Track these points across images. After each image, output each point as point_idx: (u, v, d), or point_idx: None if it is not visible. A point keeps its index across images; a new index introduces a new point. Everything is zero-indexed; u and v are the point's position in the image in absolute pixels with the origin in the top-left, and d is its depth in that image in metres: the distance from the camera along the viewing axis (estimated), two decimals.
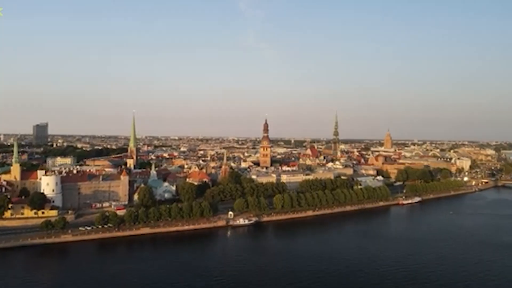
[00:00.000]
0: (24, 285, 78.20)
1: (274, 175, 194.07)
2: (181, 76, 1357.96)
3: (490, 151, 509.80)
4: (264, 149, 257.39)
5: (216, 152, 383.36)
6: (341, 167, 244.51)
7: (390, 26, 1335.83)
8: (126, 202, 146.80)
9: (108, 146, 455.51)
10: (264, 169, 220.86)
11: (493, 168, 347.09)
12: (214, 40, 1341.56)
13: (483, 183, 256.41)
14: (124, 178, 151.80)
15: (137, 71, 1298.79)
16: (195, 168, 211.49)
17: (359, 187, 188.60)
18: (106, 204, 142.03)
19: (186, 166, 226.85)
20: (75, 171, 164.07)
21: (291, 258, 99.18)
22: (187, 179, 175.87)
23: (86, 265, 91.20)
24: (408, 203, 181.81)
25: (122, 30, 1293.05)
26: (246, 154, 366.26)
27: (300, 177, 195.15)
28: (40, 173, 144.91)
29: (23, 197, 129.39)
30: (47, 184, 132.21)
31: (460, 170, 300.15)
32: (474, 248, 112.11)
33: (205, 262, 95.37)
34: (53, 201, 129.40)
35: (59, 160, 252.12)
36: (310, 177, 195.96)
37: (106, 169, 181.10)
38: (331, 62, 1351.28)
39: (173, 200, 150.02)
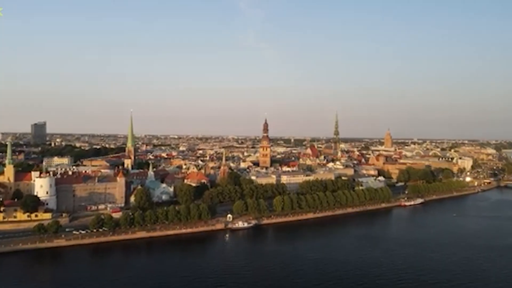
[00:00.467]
0: None
1: (274, 176, 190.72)
2: (181, 75, 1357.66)
3: (491, 150, 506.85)
4: (263, 149, 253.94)
5: (216, 152, 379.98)
6: (341, 167, 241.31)
7: (390, 26, 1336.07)
8: (123, 204, 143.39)
9: (107, 146, 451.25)
10: (264, 170, 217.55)
11: (494, 168, 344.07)
12: (214, 40, 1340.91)
13: (486, 183, 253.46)
14: (121, 180, 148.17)
15: (137, 70, 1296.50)
16: (193, 168, 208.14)
17: (360, 187, 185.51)
18: (101, 207, 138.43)
19: (184, 167, 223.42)
20: (70, 172, 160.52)
21: (292, 263, 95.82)
22: (185, 180, 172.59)
23: (78, 273, 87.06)
24: (410, 205, 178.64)
25: (121, 30, 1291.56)
26: (245, 153, 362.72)
27: (301, 178, 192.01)
28: (34, 174, 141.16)
29: (16, 200, 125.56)
30: (40, 186, 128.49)
31: (461, 170, 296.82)
32: (480, 252, 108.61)
33: (203, 268, 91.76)
34: (47, 204, 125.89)
35: (56, 160, 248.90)
36: (311, 177, 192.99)
37: (103, 170, 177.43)
38: (331, 61, 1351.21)
39: (171, 202, 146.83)
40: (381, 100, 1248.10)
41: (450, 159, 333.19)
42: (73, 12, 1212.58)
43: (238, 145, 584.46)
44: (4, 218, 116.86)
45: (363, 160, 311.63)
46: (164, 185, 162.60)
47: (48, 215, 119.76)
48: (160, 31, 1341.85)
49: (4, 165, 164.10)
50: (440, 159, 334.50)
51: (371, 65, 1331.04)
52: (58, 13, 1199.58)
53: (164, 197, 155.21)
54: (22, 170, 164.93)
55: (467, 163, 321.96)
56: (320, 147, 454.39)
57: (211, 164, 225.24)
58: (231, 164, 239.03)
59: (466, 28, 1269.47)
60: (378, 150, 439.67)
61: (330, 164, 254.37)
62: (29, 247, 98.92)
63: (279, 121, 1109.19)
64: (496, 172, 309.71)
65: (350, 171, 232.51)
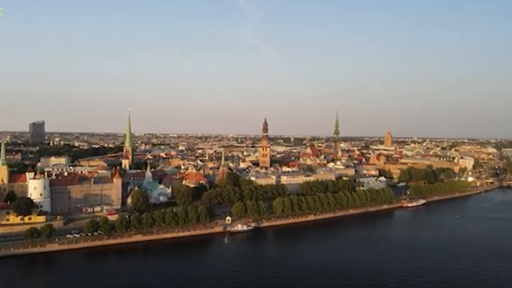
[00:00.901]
0: None
1: (273, 177, 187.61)
2: (180, 74, 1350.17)
3: (491, 150, 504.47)
4: (263, 149, 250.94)
5: (215, 151, 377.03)
6: (342, 167, 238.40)
7: (390, 25, 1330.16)
8: (119, 206, 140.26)
9: (105, 145, 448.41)
10: (264, 170, 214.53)
11: (496, 167, 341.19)
12: (213, 38, 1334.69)
13: (488, 183, 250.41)
14: (117, 181, 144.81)
15: (136, 69, 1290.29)
16: (192, 169, 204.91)
17: (362, 188, 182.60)
18: (97, 209, 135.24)
19: (183, 167, 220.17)
20: (66, 173, 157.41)
21: (292, 269, 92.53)
22: (184, 181, 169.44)
23: (71, 280, 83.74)
24: (412, 206, 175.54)
25: (121, 29, 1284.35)
26: (245, 153, 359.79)
27: (301, 179, 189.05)
28: (28, 175, 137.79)
29: (9, 202, 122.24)
30: (34, 188, 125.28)
31: (463, 170, 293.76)
32: (485, 257, 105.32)
33: (200, 274, 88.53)
34: (41, 206, 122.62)
35: (53, 160, 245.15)
36: (311, 178, 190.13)
37: (99, 171, 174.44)
38: (330, 60, 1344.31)
39: (169, 204, 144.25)
40: (381, 98, 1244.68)
41: (451, 159, 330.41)
42: (73, 12, 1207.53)
43: (237, 144, 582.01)
44: None
45: (363, 159, 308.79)
46: (162, 186, 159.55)
47: (42, 218, 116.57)
48: (159, 29, 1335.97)
49: None
50: (441, 158, 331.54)
51: (371, 63, 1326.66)
52: (58, 13, 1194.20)
53: (161, 198, 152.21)
54: (18, 171, 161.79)
55: (469, 163, 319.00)
56: (320, 146, 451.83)
57: (210, 165, 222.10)
58: (231, 164, 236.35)
59: (466, 28, 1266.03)
60: (379, 150, 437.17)
61: (331, 164, 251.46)
62: (21, 252, 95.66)
63: (278, 120, 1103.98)
64: (497, 172, 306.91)
65: (351, 171, 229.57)
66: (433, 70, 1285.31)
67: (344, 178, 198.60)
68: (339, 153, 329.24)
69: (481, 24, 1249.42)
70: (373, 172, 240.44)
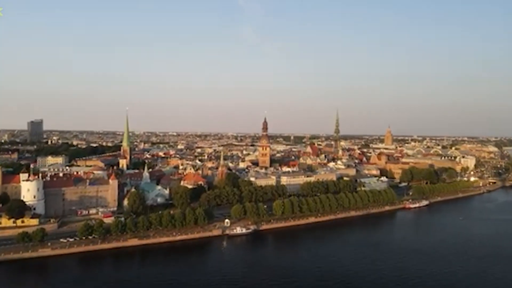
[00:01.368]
0: None
1: (273, 177, 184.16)
2: (180, 72, 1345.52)
3: (492, 148, 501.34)
4: (263, 149, 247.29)
5: (214, 150, 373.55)
6: (343, 167, 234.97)
7: (390, 24, 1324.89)
8: (115, 208, 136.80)
9: (104, 144, 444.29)
10: (263, 170, 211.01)
11: (498, 166, 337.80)
12: (212, 36, 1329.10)
13: (491, 183, 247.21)
14: (113, 182, 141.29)
15: (135, 68, 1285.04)
16: (190, 169, 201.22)
17: (363, 189, 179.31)
18: (93, 211, 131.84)
19: (181, 167, 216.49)
20: (61, 174, 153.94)
21: (293, 276, 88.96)
22: (182, 182, 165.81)
23: (63, 286, 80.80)
24: (415, 207, 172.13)
25: (120, 27, 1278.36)
26: (244, 152, 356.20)
27: (301, 179, 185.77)
28: (22, 176, 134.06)
29: (1, 205, 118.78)
30: (27, 190, 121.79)
31: (465, 169, 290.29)
32: (490, 262, 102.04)
33: (197, 280, 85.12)
34: (34, 209, 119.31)
35: (50, 159, 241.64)
36: (312, 178, 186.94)
37: (96, 172, 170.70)
38: (330, 57, 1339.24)
39: (166, 205, 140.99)
40: (380, 96, 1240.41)
41: (453, 158, 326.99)
42: (72, 12, 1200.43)
43: (237, 143, 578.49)
44: None
45: (364, 159, 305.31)
46: (159, 187, 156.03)
47: (35, 221, 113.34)
48: (159, 27, 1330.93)
49: None
50: (443, 158, 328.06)
51: (371, 61, 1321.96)
52: (57, 13, 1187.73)
53: (159, 199, 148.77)
54: (14, 171, 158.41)
55: (470, 162, 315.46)
56: (320, 145, 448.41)
57: (209, 164, 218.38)
58: (230, 164, 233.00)
59: (466, 27, 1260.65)
60: (379, 148, 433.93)
61: (331, 164, 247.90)
62: (12, 257, 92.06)
63: (278, 118, 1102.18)
64: (500, 171, 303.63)
65: (352, 171, 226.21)
66: (433, 70, 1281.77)
67: (345, 179, 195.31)
68: (340, 152, 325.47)
69: (481, 24, 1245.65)
70: (374, 172, 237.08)
